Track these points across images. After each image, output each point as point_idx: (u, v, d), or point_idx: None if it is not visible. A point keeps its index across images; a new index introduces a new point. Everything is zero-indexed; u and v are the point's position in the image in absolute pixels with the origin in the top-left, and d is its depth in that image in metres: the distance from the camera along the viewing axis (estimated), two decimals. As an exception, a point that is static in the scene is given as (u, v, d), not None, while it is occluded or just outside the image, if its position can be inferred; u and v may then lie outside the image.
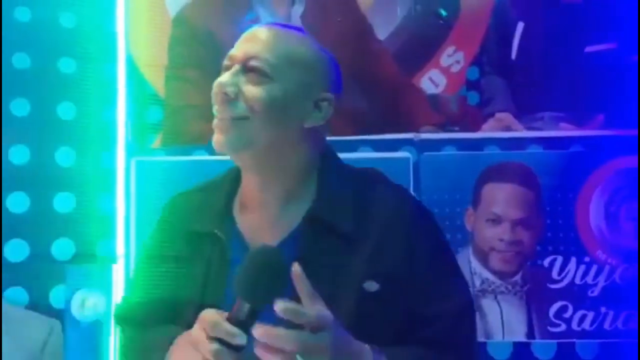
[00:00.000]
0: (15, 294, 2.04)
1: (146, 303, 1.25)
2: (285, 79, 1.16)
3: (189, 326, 1.06)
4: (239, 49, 1.20)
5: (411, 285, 1.14)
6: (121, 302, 1.40)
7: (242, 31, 2.21)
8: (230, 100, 1.15)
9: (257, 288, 0.97)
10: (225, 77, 1.17)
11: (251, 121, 1.15)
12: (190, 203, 1.29)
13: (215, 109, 1.19)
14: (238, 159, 1.21)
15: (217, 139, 1.18)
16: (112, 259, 2.11)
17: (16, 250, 2.07)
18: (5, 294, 2.01)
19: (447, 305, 1.16)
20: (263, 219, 1.20)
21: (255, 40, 1.19)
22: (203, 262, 1.19)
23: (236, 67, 1.18)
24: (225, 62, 1.21)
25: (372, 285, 1.12)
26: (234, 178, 1.26)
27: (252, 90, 1.15)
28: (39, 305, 2.04)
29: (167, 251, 1.25)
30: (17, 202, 2.09)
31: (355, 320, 1.08)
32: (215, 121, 1.19)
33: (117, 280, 2.10)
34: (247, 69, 1.17)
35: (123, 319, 1.32)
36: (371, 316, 1.11)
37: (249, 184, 1.23)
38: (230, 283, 1.06)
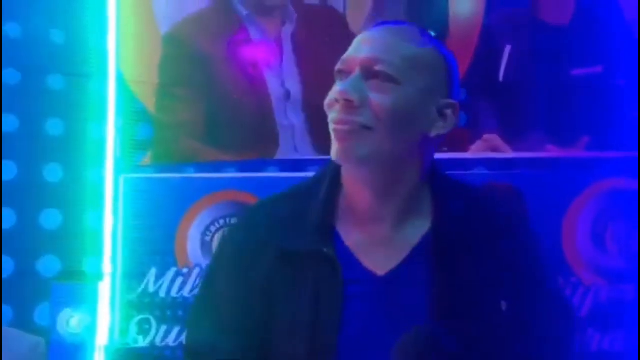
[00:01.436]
0: (-1, 311, 2.02)
1: (229, 348, 1.08)
2: (411, 85, 1.06)
3: None
4: (358, 52, 1.08)
5: (531, 306, 1.10)
6: (190, 351, 1.18)
7: (233, 49, 2.24)
8: (354, 107, 1.04)
9: None
10: (348, 83, 1.06)
11: (376, 131, 1.04)
12: (273, 217, 1.13)
13: (333, 117, 1.07)
14: (357, 171, 1.10)
15: (339, 148, 1.05)
16: (99, 277, 2.09)
17: (2, 267, 2.05)
18: (-12, 311, 1.99)
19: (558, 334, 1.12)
20: (376, 236, 1.09)
21: (375, 42, 1.08)
22: (308, 286, 1.06)
23: (357, 72, 1.06)
24: (340, 66, 1.09)
25: (503, 305, 1.07)
26: (332, 185, 1.13)
27: (379, 98, 1.04)
28: (23, 322, 2.02)
29: (254, 279, 1.09)
30: (3, 218, 2.07)
31: (494, 341, 1.05)
32: (334, 129, 1.07)
33: (103, 298, 2.08)
34: (370, 74, 1.06)
35: None
36: (505, 336, 1.06)
37: (360, 197, 1.10)
38: (347, 307, 1.03)
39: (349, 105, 1.05)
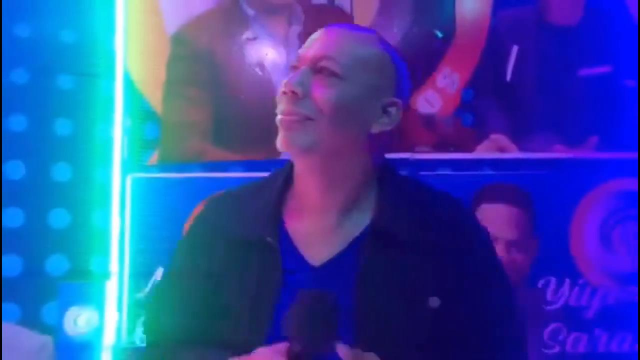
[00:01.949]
0: (7, 309, 2.02)
1: (182, 324, 1.16)
2: (355, 81, 1.12)
3: (238, 345, 1.04)
4: (308, 49, 1.15)
5: (470, 303, 1.11)
6: (148, 325, 1.28)
7: (240, 49, 2.24)
8: (298, 99, 1.11)
9: (310, 334, 0.98)
10: (295, 77, 1.12)
11: (318, 122, 1.10)
12: (230, 207, 1.21)
13: (280, 108, 1.13)
14: (301, 161, 1.16)
15: (282, 137, 1.12)
16: (106, 276, 2.10)
17: (10, 266, 2.06)
18: (-3, 309, 2.00)
19: (502, 331, 1.13)
20: (319, 227, 1.14)
21: (324, 40, 1.15)
22: (252, 273, 1.12)
23: (304, 67, 1.13)
24: (293, 63, 1.17)
25: (435, 301, 1.09)
26: (284, 180, 1.20)
27: (321, 91, 1.11)
28: (31, 321, 2.02)
29: (206, 264, 1.16)
30: (12, 217, 2.08)
31: (416, 336, 1.08)
32: (279, 119, 1.13)
33: (110, 297, 2.09)
34: (316, 69, 1.13)
35: (154, 345, 1.22)
36: (432, 333, 1.08)
37: (308, 188, 1.17)
38: (283, 295, 1.08)
39: (294, 97, 1.11)
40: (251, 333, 1.09)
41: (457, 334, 1.10)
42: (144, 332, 1.27)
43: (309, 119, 1.11)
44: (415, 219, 1.13)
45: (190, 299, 1.17)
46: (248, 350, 1.04)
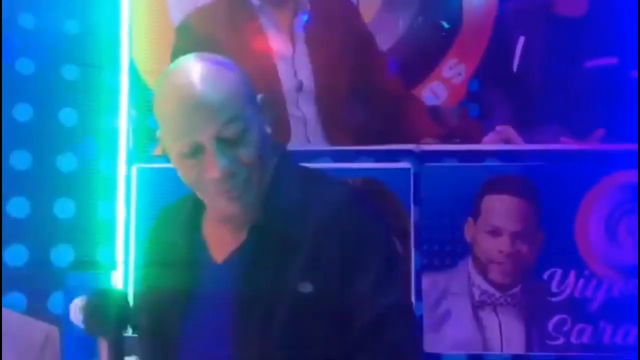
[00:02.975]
0: (13, 299, 2.04)
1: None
2: (247, 116, 1.13)
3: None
4: (204, 122, 1.10)
5: (346, 286, 1.13)
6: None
7: (245, 40, 2.23)
8: (233, 173, 1.11)
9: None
10: (217, 162, 1.10)
11: (251, 174, 1.13)
12: (171, 214, 1.32)
13: (219, 190, 1.13)
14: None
15: (233, 209, 1.15)
16: (112, 266, 2.11)
17: (16, 256, 2.07)
18: (3, 299, 2.01)
19: (379, 310, 1.13)
20: (226, 232, 1.20)
21: (205, 109, 1.10)
22: (176, 271, 1.21)
23: (210, 145, 1.10)
24: (189, 145, 1.11)
25: (306, 287, 1.12)
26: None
27: (242, 152, 1.11)
28: (37, 311, 2.03)
29: (156, 258, 1.28)
30: (17, 207, 2.09)
31: (291, 322, 1.12)
32: (224, 197, 1.14)
33: (116, 286, 2.10)
34: (218, 139, 1.10)
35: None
36: (306, 318, 1.12)
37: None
38: (193, 294, 1.18)
39: (230, 177, 1.12)
40: (167, 330, 1.20)
41: (337, 319, 1.13)
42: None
43: (247, 180, 1.14)
44: (295, 211, 1.17)
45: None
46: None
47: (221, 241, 1.20)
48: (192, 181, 1.14)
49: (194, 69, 1.13)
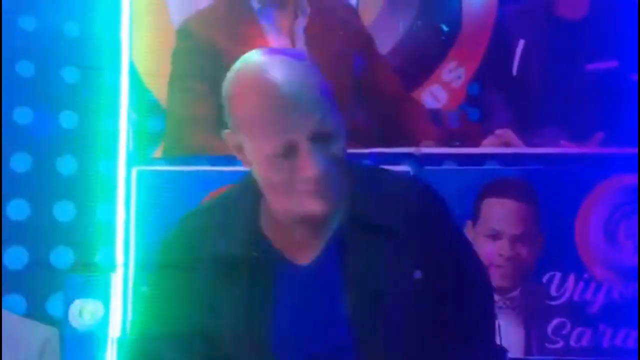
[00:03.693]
0: (13, 301, 2.04)
1: (167, 344, 1.15)
2: (333, 111, 1.08)
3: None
4: (301, 121, 1.05)
5: (457, 266, 1.19)
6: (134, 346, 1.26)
7: (246, 42, 2.23)
8: (327, 172, 1.06)
9: None
10: (313, 161, 1.04)
11: (342, 171, 1.09)
12: (210, 224, 1.19)
13: (310, 190, 1.07)
14: None
15: (323, 208, 1.08)
16: (111, 268, 2.11)
17: (15, 258, 2.07)
18: (3, 301, 2.01)
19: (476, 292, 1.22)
20: (303, 234, 1.15)
21: (301, 107, 1.05)
22: (242, 289, 1.12)
23: (305, 145, 1.05)
24: (283, 145, 1.05)
25: (418, 274, 1.14)
26: (253, 193, 1.17)
27: (334, 149, 1.07)
28: (36, 313, 2.03)
29: (189, 282, 1.15)
30: (17, 210, 2.09)
31: (411, 310, 1.13)
32: (314, 197, 1.07)
33: (115, 289, 2.10)
34: (313, 139, 1.05)
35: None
36: (422, 304, 1.14)
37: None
38: (279, 309, 1.10)
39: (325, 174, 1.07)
40: (252, 344, 1.12)
41: (440, 302, 1.16)
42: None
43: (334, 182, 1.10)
44: (382, 201, 1.16)
45: (173, 319, 1.15)
46: None
47: (299, 242, 1.15)
48: (280, 181, 1.08)
49: (279, 65, 1.07)
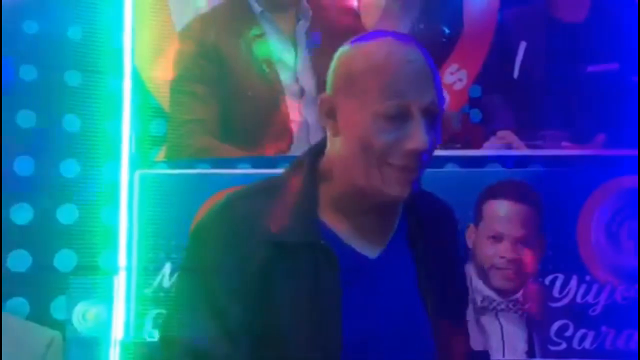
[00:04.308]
0: (16, 304, 2.04)
1: (214, 324, 1.05)
2: (438, 98, 1.12)
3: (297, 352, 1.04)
4: (419, 92, 1.06)
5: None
6: (169, 321, 1.15)
7: (247, 46, 2.24)
8: (425, 152, 1.08)
9: None
10: (422, 134, 1.05)
11: (428, 161, 1.12)
12: (258, 208, 1.10)
13: (398, 165, 1.07)
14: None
15: (402, 192, 1.08)
16: (114, 271, 2.11)
17: (19, 261, 2.07)
18: (6, 304, 2.01)
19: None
20: (364, 224, 1.12)
21: (427, 78, 1.08)
22: (306, 277, 1.06)
23: (418, 115, 1.06)
24: (399, 107, 1.05)
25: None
26: (311, 176, 1.13)
27: (434, 136, 1.09)
28: (40, 316, 2.03)
29: (248, 269, 1.06)
30: (20, 213, 2.09)
31: (461, 292, 1.32)
32: (398, 179, 1.07)
33: (118, 292, 2.10)
34: (424, 113, 1.07)
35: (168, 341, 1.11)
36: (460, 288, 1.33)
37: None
38: (346, 294, 1.07)
39: (419, 155, 1.08)
40: (321, 342, 1.05)
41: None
42: (162, 328, 1.14)
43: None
44: (432, 211, 1.24)
45: (222, 298, 1.05)
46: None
47: (356, 234, 1.12)
48: (379, 147, 1.05)
49: (405, 39, 1.13)
